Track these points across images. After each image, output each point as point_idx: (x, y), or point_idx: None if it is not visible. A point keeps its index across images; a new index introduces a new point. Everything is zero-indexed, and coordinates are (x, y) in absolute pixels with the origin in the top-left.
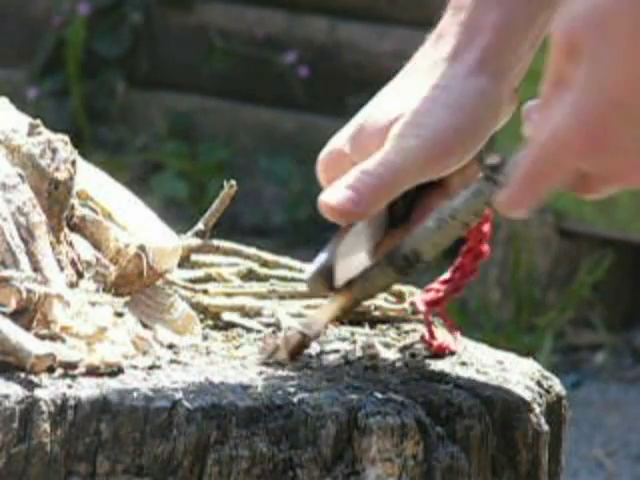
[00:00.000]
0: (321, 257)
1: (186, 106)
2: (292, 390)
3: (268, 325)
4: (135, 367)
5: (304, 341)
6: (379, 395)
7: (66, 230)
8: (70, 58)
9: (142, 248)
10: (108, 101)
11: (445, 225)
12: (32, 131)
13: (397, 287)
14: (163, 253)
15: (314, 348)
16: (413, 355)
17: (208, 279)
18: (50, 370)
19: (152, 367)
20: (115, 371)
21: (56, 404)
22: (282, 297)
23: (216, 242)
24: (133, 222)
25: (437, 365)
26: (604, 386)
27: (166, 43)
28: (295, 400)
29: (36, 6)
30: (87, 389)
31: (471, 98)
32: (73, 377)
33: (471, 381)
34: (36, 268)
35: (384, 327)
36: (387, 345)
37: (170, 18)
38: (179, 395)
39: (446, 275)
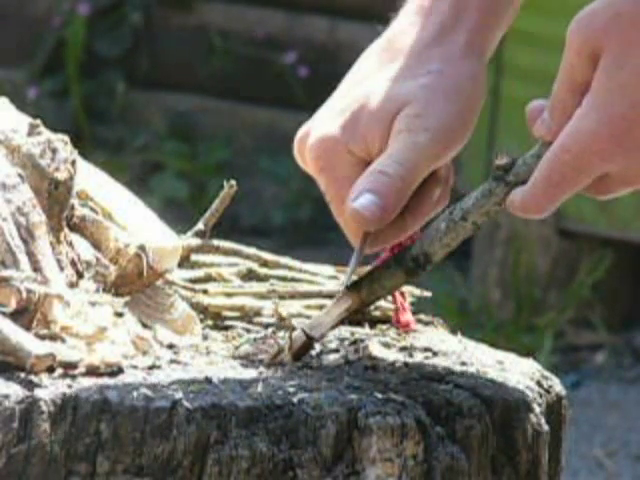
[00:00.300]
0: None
1: (186, 106)
2: (292, 390)
3: (268, 325)
4: (135, 367)
5: (309, 343)
6: (379, 395)
7: (66, 230)
8: (70, 58)
9: (142, 248)
10: (108, 101)
11: (455, 226)
12: (32, 131)
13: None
14: (163, 253)
15: (314, 348)
16: (412, 355)
17: (208, 279)
18: (50, 370)
19: (152, 367)
20: (115, 371)
21: (56, 404)
22: (282, 297)
23: (216, 242)
24: (133, 222)
25: (437, 365)
26: (604, 386)
27: (166, 43)
28: (295, 400)
29: (36, 6)
30: (87, 389)
31: (465, 84)
32: (73, 377)
33: (471, 381)
34: (36, 268)
35: (384, 327)
36: (387, 345)
37: (170, 18)
38: (179, 395)
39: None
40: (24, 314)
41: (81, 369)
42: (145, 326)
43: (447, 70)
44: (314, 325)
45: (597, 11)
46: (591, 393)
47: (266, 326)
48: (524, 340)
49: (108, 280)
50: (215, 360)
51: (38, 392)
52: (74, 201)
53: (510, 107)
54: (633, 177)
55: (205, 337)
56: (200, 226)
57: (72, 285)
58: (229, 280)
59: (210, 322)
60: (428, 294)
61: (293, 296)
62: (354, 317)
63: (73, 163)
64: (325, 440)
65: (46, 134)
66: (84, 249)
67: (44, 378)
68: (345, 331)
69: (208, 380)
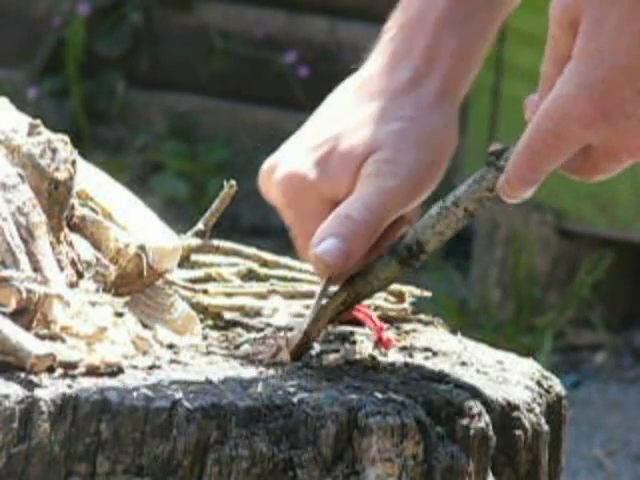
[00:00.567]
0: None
1: (186, 106)
2: (292, 390)
3: (269, 325)
4: (135, 367)
5: (307, 340)
6: (379, 395)
7: (66, 230)
8: (70, 58)
9: (142, 248)
10: (108, 101)
11: (447, 212)
12: (32, 131)
13: (397, 287)
14: (163, 253)
15: (314, 348)
16: (412, 355)
17: (208, 279)
18: (50, 370)
19: (152, 367)
20: (115, 371)
21: (56, 404)
22: (282, 297)
23: (216, 242)
24: (133, 222)
25: (437, 365)
26: (604, 386)
27: (166, 43)
28: (295, 400)
29: (36, 6)
30: (87, 389)
31: (437, 131)
32: (73, 377)
33: (471, 381)
34: (36, 268)
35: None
36: None
37: (170, 18)
38: (179, 395)
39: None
40: (24, 314)
41: (81, 369)
42: (145, 326)
43: (419, 117)
44: (311, 321)
45: None
46: (591, 393)
47: (266, 326)
48: (524, 340)
49: (108, 280)
50: (215, 360)
51: (38, 392)
52: (74, 201)
53: (510, 106)
54: (616, 148)
55: (205, 337)
56: (200, 226)
57: (72, 285)
58: (229, 280)
59: (210, 322)
60: (428, 294)
61: (293, 296)
62: (354, 317)
63: (73, 163)
64: (325, 440)
65: (46, 134)
66: (84, 249)
67: (44, 378)
68: (345, 331)
69: (208, 380)
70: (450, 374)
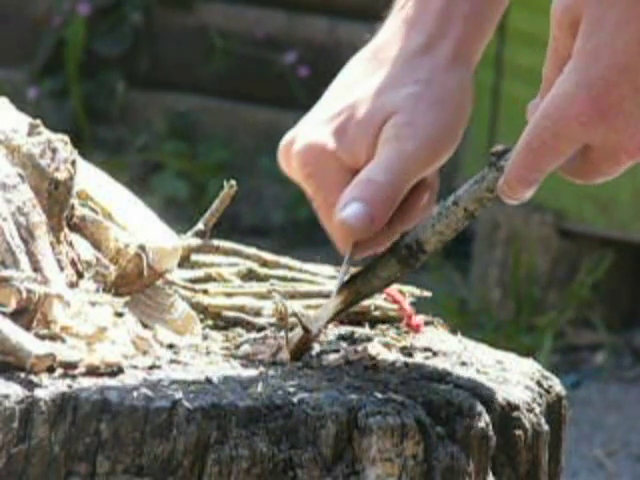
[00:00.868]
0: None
1: (186, 106)
2: (292, 390)
3: (270, 325)
4: (135, 367)
5: (307, 339)
6: (379, 395)
7: (66, 230)
8: (70, 58)
9: (142, 248)
10: (108, 101)
11: (447, 212)
12: (32, 131)
13: (397, 287)
14: (163, 253)
15: (314, 348)
16: (412, 355)
17: (208, 279)
18: (50, 370)
19: (152, 367)
20: (115, 371)
21: (56, 404)
22: (282, 297)
23: (216, 242)
24: (133, 222)
25: (437, 365)
26: (604, 386)
27: (166, 43)
28: (295, 400)
29: (36, 6)
30: (87, 389)
31: (454, 92)
32: (73, 377)
33: (471, 381)
34: (36, 268)
35: (384, 327)
36: (387, 345)
37: (170, 18)
38: (179, 395)
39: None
40: (24, 314)
41: (81, 369)
42: (145, 326)
43: (434, 80)
44: (311, 320)
45: None
46: (591, 393)
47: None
48: (524, 340)
49: (108, 280)
50: (215, 360)
51: (38, 392)
52: (74, 201)
53: (510, 107)
54: (615, 148)
55: (205, 337)
56: (200, 226)
57: (72, 285)
58: (229, 280)
59: (210, 322)
60: (428, 294)
61: (293, 296)
62: (354, 317)
63: (73, 163)
64: (325, 440)
65: (46, 134)
66: (84, 249)
67: (44, 378)
68: (345, 331)
69: (208, 380)
70: (450, 374)
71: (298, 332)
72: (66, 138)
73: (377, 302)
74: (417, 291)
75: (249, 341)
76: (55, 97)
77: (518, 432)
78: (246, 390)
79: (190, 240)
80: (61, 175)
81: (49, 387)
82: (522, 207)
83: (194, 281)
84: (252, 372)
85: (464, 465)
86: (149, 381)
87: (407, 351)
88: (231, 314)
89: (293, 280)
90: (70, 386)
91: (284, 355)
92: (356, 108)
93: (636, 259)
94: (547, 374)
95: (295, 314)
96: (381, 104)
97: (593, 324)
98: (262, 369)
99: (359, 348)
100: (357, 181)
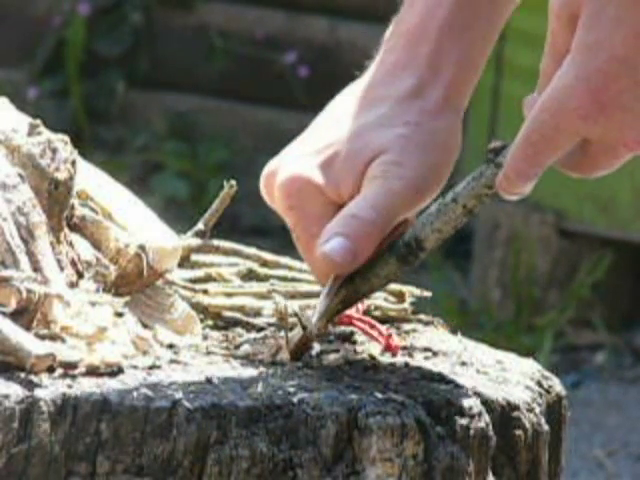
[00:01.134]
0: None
1: (186, 106)
2: (292, 390)
3: (269, 325)
4: (135, 367)
5: (307, 338)
6: (379, 395)
7: (66, 230)
8: (70, 58)
9: (142, 248)
10: (108, 101)
11: (446, 209)
12: (32, 131)
13: (397, 287)
14: (163, 253)
15: (314, 348)
16: (412, 355)
17: (208, 279)
18: (50, 370)
19: (152, 367)
20: (115, 371)
21: (56, 404)
22: (282, 297)
23: (216, 242)
24: (133, 222)
25: (437, 365)
26: (604, 386)
27: (166, 43)
28: (295, 400)
29: (36, 6)
30: (87, 389)
31: (442, 137)
32: (73, 377)
33: (471, 381)
34: (36, 268)
35: (384, 327)
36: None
37: (170, 18)
38: (179, 395)
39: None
40: (24, 314)
41: (81, 369)
42: (145, 326)
43: (424, 123)
44: (310, 319)
45: None
46: (591, 393)
47: (266, 326)
48: (524, 340)
49: (108, 280)
50: (215, 360)
51: (38, 392)
52: (74, 201)
53: (510, 106)
54: (614, 142)
55: (205, 337)
56: (200, 226)
57: (72, 285)
58: (229, 280)
59: (210, 322)
60: (428, 294)
61: (293, 296)
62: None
63: (73, 163)
64: (325, 440)
65: (46, 134)
66: (84, 249)
67: (44, 378)
68: (345, 331)
69: (208, 380)
70: (450, 374)
71: (298, 332)
72: (66, 138)
73: (377, 302)
74: (417, 291)
75: (249, 341)
76: (55, 97)
77: (518, 432)
78: (246, 390)
79: (190, 240)
80: (61, 175)
81: (49, 387)
82: (522, 207)
83: (194, 281)
84: (252, 372)
85: (464, 465)
86: (149, 381)
87: (407, 351)
88: (231, 314)
89: (293, 280)
90: (70, 386)
91: (284, 355)
92: (343, 144)
93: (636, 259)
94: (547, 374)
95: (295, 314)
96: (369, 142)
97: (593, 324)
98: (262, 369)
99: (359, 348)
100: (341, 216)
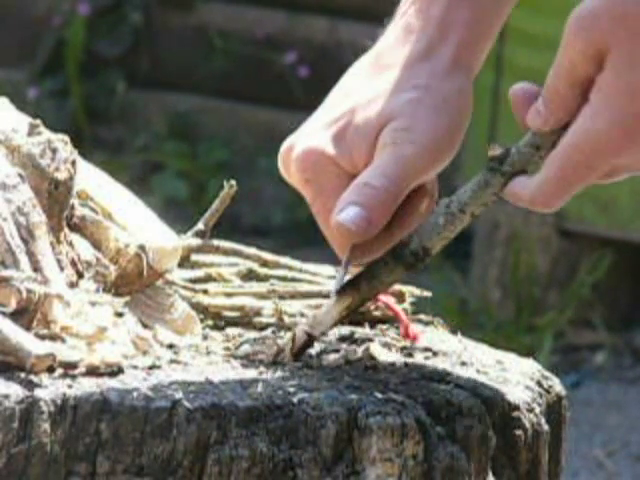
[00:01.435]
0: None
1: (186, 106)
2: (292, 390)
3: (270, 325)
4: (135, 367)
5: (309, 342)
6: (379, 395)
7: (66, 230)
8: (70, 58)
9: (142, 248)
10: (108, 101)
11: (453, 219)
12: (32, 131)
13: (397, 287)
14: (163, 253)
15: (314, 348)
16: (412, 355)
17: (208, 279)
18: (50, 370)
19: (152, 367)
20: (115, 371)
21: (56, 404)
22: (282, 297)
23: (216, 242)
24: (133, 222)
25: (437, 365)
26: (604, 386)
27: (166, 43)
28: (295, 400)
29: (36, 6)
30: (87, 389)
31: (453, 98)
32: (73, 377)
33: (471, 381)
34: (36, 268)
35: (384, 327)
36: (387, 345)
37: (170, 18)
38: (179, 395)
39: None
40: (24, 314)
41: (81, 369)
42: (145, 326)
43: (434, 85)
44: (314, 324)
45: (600, 10)
46: (591, 393)
47: (266, 326)
48: (524, 340)
49: (108, 280)
50: (215, 360)
51: (38, 392)
52: (74, 201)
53: (510, 107)
54: (638, 165)
55: (205, 337)
56: (200, 226)
57: (72, 285)
58: (229, 280)
59: (210, 322)
60: (428, 294)
61: (293, 296)
62: (354, 317)
63: (73, 163)
64: (325, 440)
65: (46, 134)
66: (84, 249)
67: (44, 378)
68: (345, 331)
69: (208, 380)
70: (450, 374)
71: (301, 335)
72: (66, 138)
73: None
74: (417, 291)
75: (249, 341)
76: (55, 97)
77: (518, 432)
78: (246, 390)
79: (190, 240)
80: (61, 175)
81: (49, 387)
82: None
83: (194, 281)
84: (252, 372)
85: (464, 465)
86: (149, 381)
87: (407, 351)
88: (231, 314)
89: (293, 280)
90: (70, 386)
91: (286, 357)
92: (355, 113)
93: (636, 259)
94: (547, 374)
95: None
96: (380, 109)
97: (593, 324)
98: (262, 369)
99: (359, 348)
100: (354, 185)
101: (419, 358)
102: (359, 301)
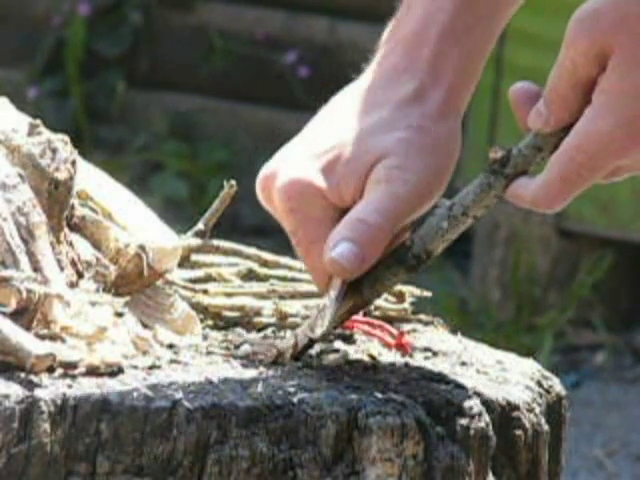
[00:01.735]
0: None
1: (186, 106)
2: (292, 390)
3: (269, 325)
4: (135, 367)
5: (310, 344)
6: (379, 395)
7: (66, 230)
8: (70, 58)
9: (142, 248)
10: (108, 101)
11: (456, 222)
12: (32, 131)
13: (397, 287)
14: (163, 253)
15: (314, 348)
16: (412, 355)
17: (208, 279)
18: (50, 370)
19: (152, 367)
20: (115, 371)
21: (56, 404)
22: (282, 297)
23: (216, 242)
24: (133, 222)
25: (437, 365)
26: (604, 386)
27: (166, 43)
28: (295, 400)
29: (36, 6)
30: (87, 389)
31: (443, 141)
32: (73, 377)
33: (471, 381)
34: (36, 268)
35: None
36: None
37: (170, 18)
38: (179, 395)
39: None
40: (24, 314)
41: (81, 369)
42: (145, 326)
43: (426, 127)
44: (316, 326)
45: (602, 11)
46: (591, 393)
47: (266, 326)
48: (524, 340)
49: (108, 280)
50: (215, 360)
51: (38, 392)
52: (74, 201)
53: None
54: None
55: (205, 337)
56: (200, 226)
57: (72, 285)
58: (229, 280)
59: (210, 322)
60: (428, 294)
61: (293, 296)
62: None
63: (73, 163)
64: (325, 440)
65: (46, 134)
66: (84, 249)
67: (44, 378)
68: (345, 331)
69: (208, 380)
70: (450, 374)
71: (303, 338)
72: (66, 138)
73: (377, 302)
74: (417, 291)
75: (249, 341)
76: (55, 97)
77: (518, 432)
78: (246, 390)
79: (190, 240)
80: (61, 175)
81: (49, 387)
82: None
83: (194, 281)
84: (252, 372)
85: (464, 465)
86: (149, 381)
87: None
88: (231, 314)
89: (293, 280)
90: (70, 386)
91: (286, 359)
92: (345, 147)
93: (636, 259)
94: (547, 374)
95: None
96: (372, 146)
97: (593, 324)
98: (262, 369)
99: (359, 348)
100: (348, 220)
101: (419, 358)
102: (361, 304)
